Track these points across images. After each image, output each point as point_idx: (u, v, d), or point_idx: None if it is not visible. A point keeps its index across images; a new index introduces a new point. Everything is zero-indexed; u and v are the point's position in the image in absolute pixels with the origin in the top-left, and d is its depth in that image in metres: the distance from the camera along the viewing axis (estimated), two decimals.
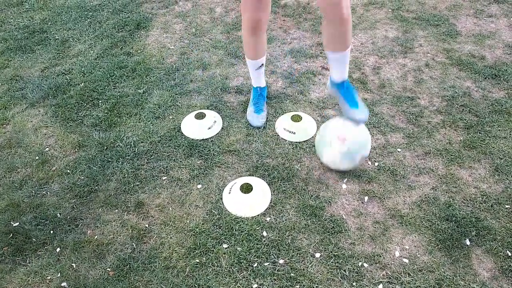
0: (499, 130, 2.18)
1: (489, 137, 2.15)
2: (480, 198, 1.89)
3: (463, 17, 3.03)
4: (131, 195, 2.00)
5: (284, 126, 2.26)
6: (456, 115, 2.28)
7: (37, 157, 2.21)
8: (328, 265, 1.68)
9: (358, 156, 1.93)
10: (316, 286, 1.62)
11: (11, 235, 1.86)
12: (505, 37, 2.82)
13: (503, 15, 3.03)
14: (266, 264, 1.69)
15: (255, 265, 1.69)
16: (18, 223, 1.90)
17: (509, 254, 1.68)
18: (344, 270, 1.66)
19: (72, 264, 1.74)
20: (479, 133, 2.18)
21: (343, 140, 1.90)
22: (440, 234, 1.76)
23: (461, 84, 2.48)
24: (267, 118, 2.33)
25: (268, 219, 1.86)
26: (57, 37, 3.11)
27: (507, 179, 1.96)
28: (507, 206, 1.85)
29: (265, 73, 2.65)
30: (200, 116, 2.33)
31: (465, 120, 2.25)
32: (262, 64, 2.24)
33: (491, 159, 2.05)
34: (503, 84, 2.46)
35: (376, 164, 2.06)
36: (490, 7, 3.11)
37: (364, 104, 1.99)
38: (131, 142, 2.24)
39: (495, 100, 2.35)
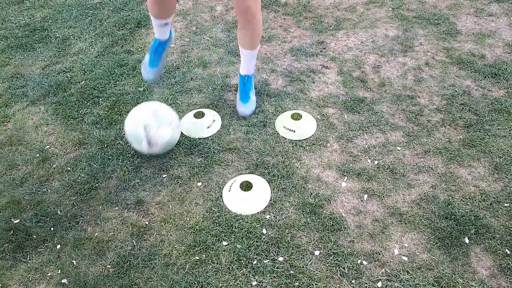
0: (498, 129, 2.19)
1: (489, 135, 2.15)
2: (479, 196, 1.89)
3: (463, 16, 3.04)
4: (131, 192, 2.00)
5: (284, 124, 2.27)
6: (455, 114, 2.29)
7: (37, 155, 2.22)
8: (328, 263, 1.69)
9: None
10: (316, 284, 1.62)
11: (12, 232, 1.87)
12: (505, 36, 2.82)
13: (503, 14, 3.03)
14: (265, 261, 1.70)
15: (255, 262, 1.70)
16: (18, 220, 1.91)
17: (508, 253, 1.69)
18: (343, 268, 1.67)
19: (73, 261, 1.75)
20: (479, 131, 2.18)
21: (152, 145, 2.01)
22: (439, 232, 1.76)
23: (461, 83, 2.48)
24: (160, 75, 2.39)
25: (267, 216, 1.86)
26: (57, 35, 3.12)
27: (506, 177, 1.96)
28: (506, 205, 1.85)
29: (265, 71, 2.66)
30: (199, 115, 2.34)
31: (465, 118, 2.26)
32: (167, 23, 2.19)
33: (490, 158, 2.05)
34: (503, 83, 2.46)
35: (376, 162, 2.07)
36: (490, 6, 3.11)
37: (255, 103, 2.37)
38: None
39: (495, 99, 2.35)
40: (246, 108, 2.34)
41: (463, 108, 2.32)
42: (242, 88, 2.37)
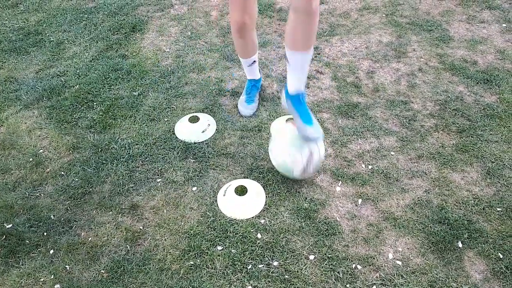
0: (491, 134, 2.21)
1: (481, 141, 2.18)
2: (472, 201, 1.91)
3: (455, 23, 3.07)
4: (126, 197, 1.99)
5: (279, 129, 2.27)
6: (448, 119, 2.31)
7: (31, 159, 2.20)
8: (322, 267, 1.69)
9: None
10: None
11: (4, 236, 1.85)
12: (496, 42, 2.86)
13: (495, 21, 3.07)
14: (260, 266, 1.70)
15: (250, 267, 1.70)
16: (11, 225, 1.89)
17: (501, 257, 1.70)
18: (338, 272, 1.67)
19: (66, 266, 1.73)
20: (471, 137, 2.20)
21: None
22: (432, 237, 1.77)
23: (453, 89, 2.51)
24: (257, 109, 2.41)
25: (262, 221, 1.86)
26: (52, 39, 3.11)
27: (499, 182, 1.98)
28: (498, 209, 1.87)
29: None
30: (194, 120, 2.34)
31: (458, 124, 2.28)
32: (255, 61, 2.29)
33: (483, 163, 2.07)
34: (495, 88, 2.49)
35: (370, 167, 2.08)
36: (482, 13, 3.15)
37: (317, 122, 1.86)
38: (125, 144, 2.24)
39: (487, 105, 2.38)
40: (315, 130, 1.81)
41: (456, 114, 2.34)
42: (300, 110, 1.82)
